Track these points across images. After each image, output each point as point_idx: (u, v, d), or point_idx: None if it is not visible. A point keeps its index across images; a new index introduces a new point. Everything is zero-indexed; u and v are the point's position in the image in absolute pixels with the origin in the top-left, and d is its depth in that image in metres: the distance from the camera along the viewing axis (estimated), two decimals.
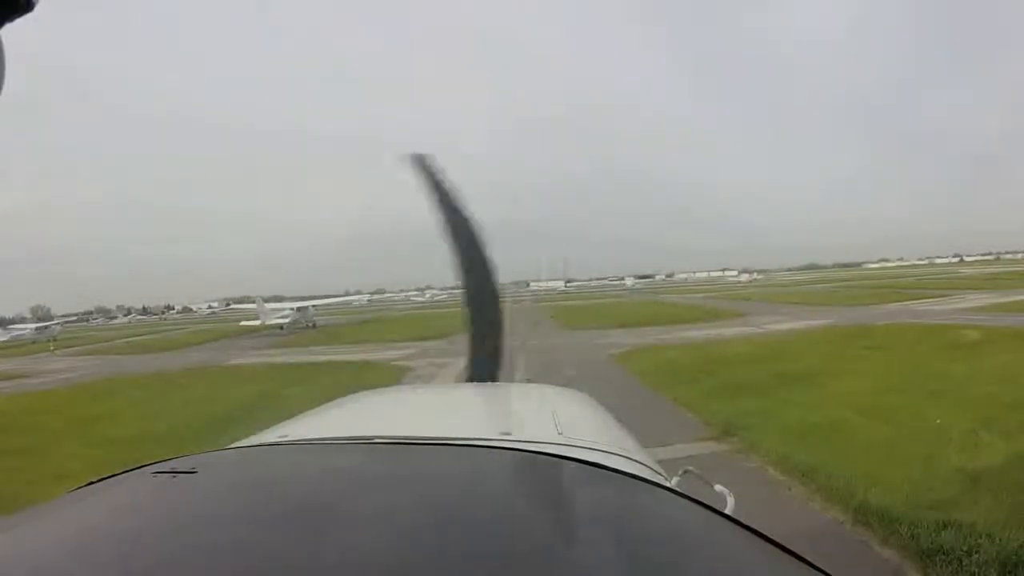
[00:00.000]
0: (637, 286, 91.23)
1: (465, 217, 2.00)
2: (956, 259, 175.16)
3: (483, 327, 2.29)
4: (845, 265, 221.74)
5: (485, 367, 2.29)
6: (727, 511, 1.07)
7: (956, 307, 25.70)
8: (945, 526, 4.48)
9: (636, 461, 1.24)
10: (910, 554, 4.30)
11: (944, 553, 4.18)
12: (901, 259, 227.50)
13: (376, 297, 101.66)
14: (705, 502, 0.97)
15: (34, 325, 55.75)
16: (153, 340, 41.02)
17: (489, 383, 2.41)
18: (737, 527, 0.88)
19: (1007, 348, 13.10)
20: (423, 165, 1.93)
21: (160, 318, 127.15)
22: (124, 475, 1.12)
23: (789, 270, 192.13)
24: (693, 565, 0.75)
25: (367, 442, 1.26)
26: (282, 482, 1.03)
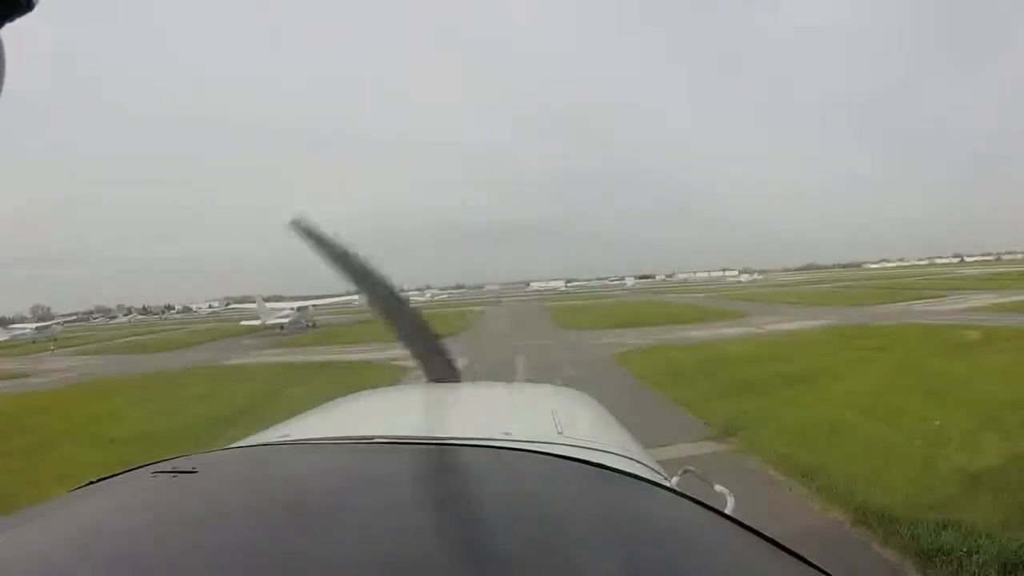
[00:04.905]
0: (637, 286, 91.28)
1: (352, 254, 2.08)
2: (956, 259, 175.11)
3: (412, 331, 2.31)
4: (845, 265, 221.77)
5: (439, 366, 2.31)
6: (727, 511, 1.07)
7: (956, 307, 25.70)
8: (945, 526, 4.47)
9: (636, 461, 1.24)
10: (910, 554, 4.30)
11: (944, 553, 4.18)
12: (901, 259, 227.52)
13: None
14: (705, 502, 0.97)
15: (34, 325, 55.59)
16: (153, 340, 41.04)
17: (484, 383, 2.42)
18: (737, 527, 0.88)
19: (1007, 348, 13.10)
20: (304, 228, 2.04)
21: (160, 318, 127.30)
22: (124, 475, 1.12)
23: (789, 270, 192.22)
24: (693, 565, 0.75)
25: (367, 442, 1.26)
26: (282, 482, 1.03)
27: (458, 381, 2.26)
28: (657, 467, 1.34)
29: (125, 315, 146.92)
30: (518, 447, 1.15)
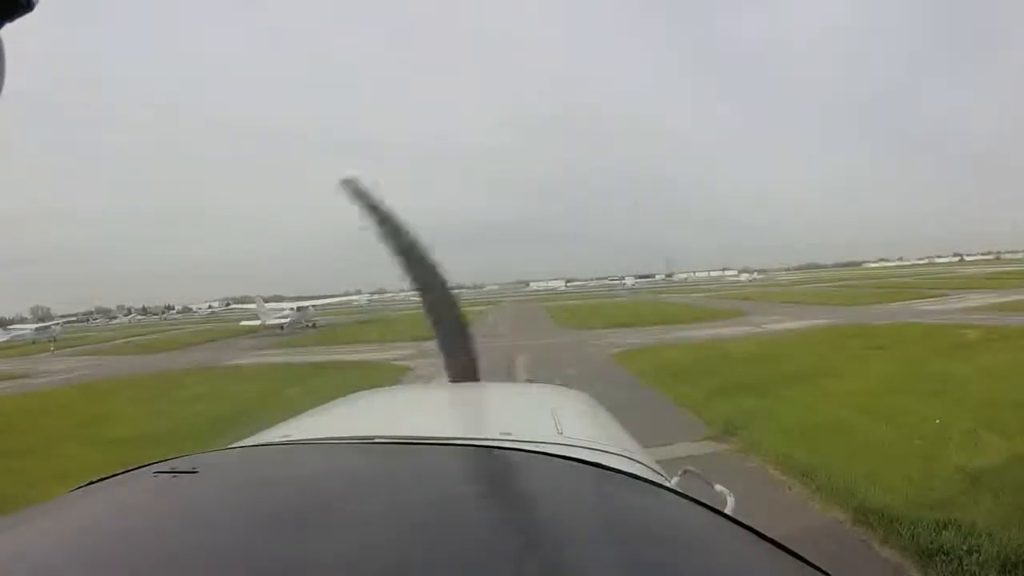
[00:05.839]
0: (637, 286, 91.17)
1: (404, 230, 2.04)
2: (956, 258, 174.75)
3: (449, 330, 2.31)
4: (845, 264, 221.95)
5: (463, 367, 2.31)
6: (727, 511, 1.07)
7: (956, 307, 25.71)
8: (945, 525, 4.48)
9: (636, 461, 1.24)
10: (910, 554, 4.30)
11: (944, 553, 4.18)
12: (901, 258, 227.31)
13: (376, 297, 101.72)
14: (705, 502, 0.97)
15: (34, 325, 55.57)
16: (153, 340, 41.02)
17: (484, 383, 2.42)
18: (737, 527, 0.88)
19: (1007, 348, 13.11)
20: (355, 188, 1.97)
21: (160, 318, 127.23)
22: (125, 475, 1.12)
23: (789, 269, 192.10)
24: (693, 565, 0.75)
25: (367, 442, 1.26)
26: (283, 482, 1.03)
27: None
28: (657, 467, 1.34)
29: (125, 316, 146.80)
30: (518, 447, 1.15)
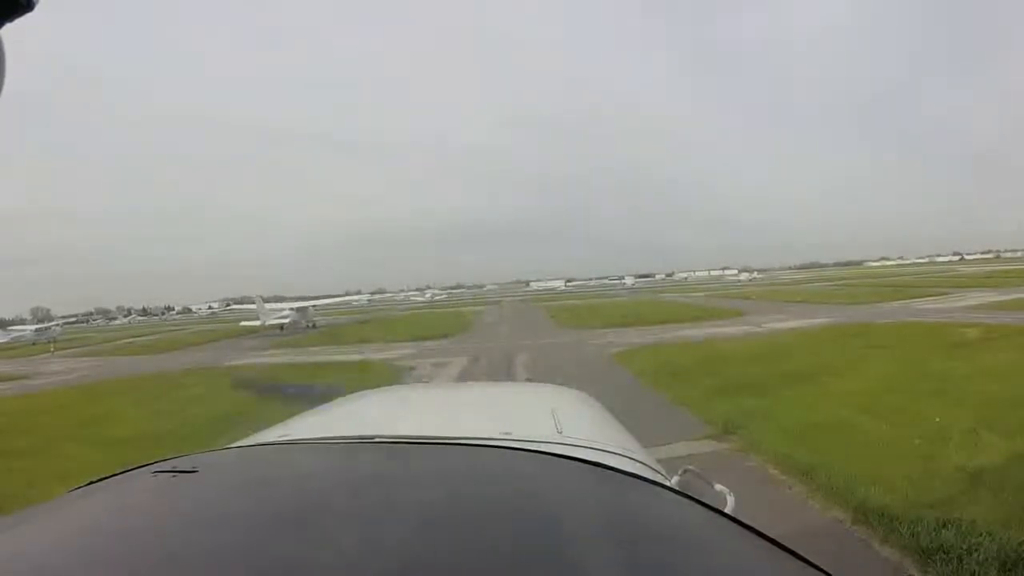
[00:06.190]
0: (637, 285, 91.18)
1: None
2: (956, 257, 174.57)
3: None
4: (845, 264, 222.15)
5: None
6: (727, 510, 1.07)
7: (956, 305, 25.71)
8: (945, 524, 4.47)
9: (636, 460, 1.25)
10: (910, 552, 4.30)
11: (944, 552, 4.17)
12: (901, 258, 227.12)
13: (376, 297, 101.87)
14: (705, 501, 0.97)
15: (34, 326, 55.59)
16: (153, 341, 41.03)
17: (484, 383, 2.43)
18: (737, 526, 0.88)
19: (1007, 346, 13.10)
20: None
21: (160, 319, 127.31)
22: (125, 475, 1.13)
23: (789, 269, 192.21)
24: (693, 564, 0.75)
25: (367, 441, 1.26)
26: (282, 482, 1.04)
27: None
28: (657, 466, 1.35)
29: (125, 316, 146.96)
30: (518, 447, 1.15)
